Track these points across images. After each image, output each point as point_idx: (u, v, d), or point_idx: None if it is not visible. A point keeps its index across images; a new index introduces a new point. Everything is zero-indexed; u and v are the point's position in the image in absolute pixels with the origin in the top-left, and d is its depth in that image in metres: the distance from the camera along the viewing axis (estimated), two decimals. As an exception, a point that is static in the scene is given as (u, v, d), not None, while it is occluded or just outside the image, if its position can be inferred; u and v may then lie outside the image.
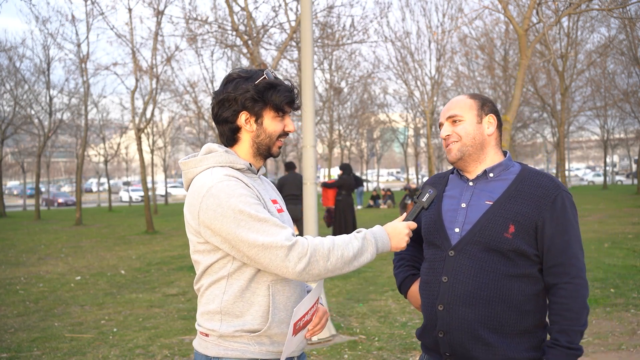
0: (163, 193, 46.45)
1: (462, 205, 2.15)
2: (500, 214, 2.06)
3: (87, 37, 20.85)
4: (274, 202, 2.12)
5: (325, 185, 13.44)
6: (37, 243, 15.62)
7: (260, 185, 2.10)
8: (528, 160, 59.64)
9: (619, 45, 22.10)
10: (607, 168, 45.95)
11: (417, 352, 5.25)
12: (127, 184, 56.09)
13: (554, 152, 38.57)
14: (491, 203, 2.10)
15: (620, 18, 13.75)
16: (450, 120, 2.19)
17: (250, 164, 2.07)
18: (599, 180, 50.15)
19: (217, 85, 2.13)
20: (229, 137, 2.08)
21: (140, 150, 19.12)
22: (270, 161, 32.92)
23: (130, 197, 44.34)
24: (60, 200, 44.59)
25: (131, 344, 5.79)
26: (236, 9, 13.14)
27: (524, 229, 2.04)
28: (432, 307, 2.12)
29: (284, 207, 2.18)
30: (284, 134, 2.10)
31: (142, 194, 39.18)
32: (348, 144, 35.50)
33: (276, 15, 13.13)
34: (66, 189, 65.82)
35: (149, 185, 32.72)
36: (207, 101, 22.93)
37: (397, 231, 2.04)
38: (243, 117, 2.04)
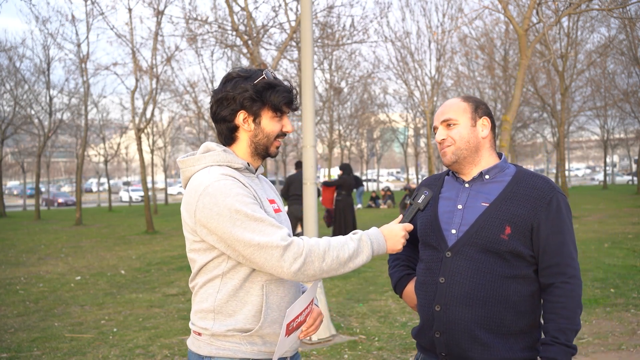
0: (169, 192, 46.52)
1: (459, 207, 2.17)
2: (497, 216, 2.08)
3: (87, 37, 20.85)
4: (272, 202, 2.12)
5: (325, 184, 13.45)
6: (37, 243, 15.62)
7: (258, 184, 2.10)
8: (528, 160, 59.69)
9: (619, 45, 22.08)
10: (608, 168, 45.93)
11: (416, 352, 5.24)
12: (127, 184, 56.09)
13: (554, 152, 38.54)
14: (487, 205, 2.12)
15: (620, 18, 13.74)
16: (444, 124, 2.20)
17: (248, 163, 2.07)
18: (620, 180, 49.94)
19: (217, 85, 2.13)
20: (227, 136, 2.08)
21: (140, 150, 19.12)
22: (270, 161, 32.92)
23: (130, 197, 44.35)
24: (60, 200, 44.59)
25: (131, 344, 5.80)
26: (236, 9, 13.14)
27: (520, 231, 2.06)
28: (429, 308, 2.14)
29: (282, 207, 2.18)
30: (282, 134, 2.10)
31: (142, 194, 39.21)
32: (348, 144, 35.49)
33: (276, 15, 13.14)
34: (66, 189, 65.84)
35: (149, 185, 32.73)
36: (207, 101, 22.91)
37: (393, 233, 2.05)
38: (241, 117, 2.04)
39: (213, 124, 2.35)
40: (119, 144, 32.57)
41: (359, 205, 26.00)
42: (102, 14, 18.25)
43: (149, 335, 6.08)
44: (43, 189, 47.64)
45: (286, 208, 11.77)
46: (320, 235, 3.59)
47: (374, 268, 9.51)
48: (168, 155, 39.06)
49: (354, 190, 14.77)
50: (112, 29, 18.13)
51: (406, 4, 25.22)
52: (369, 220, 18.72)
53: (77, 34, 21.95)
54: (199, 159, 2.04)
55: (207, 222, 1.90)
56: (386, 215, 21.57)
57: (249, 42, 12.45)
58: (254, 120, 2.05)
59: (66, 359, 5.43)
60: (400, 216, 2.14)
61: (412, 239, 2.33)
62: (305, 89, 5.81)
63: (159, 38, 17.97)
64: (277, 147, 2.12)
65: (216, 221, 1.88)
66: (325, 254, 1.90)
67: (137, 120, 19.36)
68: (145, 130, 24.84)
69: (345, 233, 9.88)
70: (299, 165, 12.39)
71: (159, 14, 16.68)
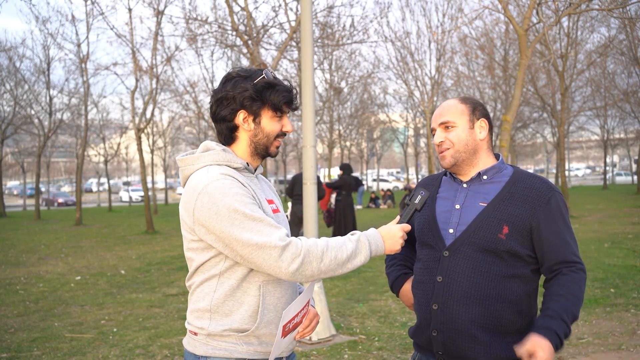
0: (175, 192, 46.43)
1: (456, 207, 2.18)
2: (495, 216, 2.09)
3: (87, 37, 20.85)
4: (270, 202, 2.11)
5: (326, 185, 13.44)
6: (37, 243, 15.62)
7: (257, 184, 2.10)
8: (528, 160, 59.70)
9: (619, 45, 22.06)
10: (607, 168, 45.93)
11: (416, 352, 5.25)
12: (127, 184, 56.10)
13: (554, 152, 38.54)
14: (485, 205, 2.13)
15: (620, 18, 13.74)
16: (442, 127, 2.21)
17: (247, 163, 2.07)
18: (623, 180, 49.76)
19: (217, 85, 2.13)
20: (227, 136, 2.08)
21: (140, 150, 19.12)
22: (270, 161, 32.90)
23: (130, 197, 44.36)
24: (60, 200, 44.58)
25: (131, 344, 5.80)
26: (236, 9, 13.15)
27: (518, 230, 2.07)
28: (426, 306, 2.15)
29: (281, 208, 2.18)
30: (282, 134, 2.10)
31: (142, 194, 39.18)
32: (348, 144, 35.48)
33: (276, 15, 13.14)
34: (66, 189, 65.83)
35: (149, 185, 32.74)
36: (207, 101, 22.91)
37: (392, 234, 2.05)
38: (241, 116, 2.04)
39: (213, 124, 2.35)
40: (119, 144, 32.56)
41: (359, 206, 25.99)
42: (102, 14, 18.27)
43: (149, 335, 6.09)
44: (43, 189, 47.66)
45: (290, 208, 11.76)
46: (320, 236, 3.59)
47: (374, 268, 9.51)
48: (168, 155, 39.05)
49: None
50: (112, 29, 18.15)
51: (406, 4, 25.25)
52: (368, 220, 18.72)
53: (77, 34, 21.97)
54: (198, 157, 2.04)
55: (205, 221, 1.90)
56: (386, 215, 21.57)
57: (249, 42, 12.45)
58: (253, 120, 2.05)
59: (66, 359, 5.43)
60: (398, 217, 2.14)
61: (410, 239, 2.34)
62: (305, 89, 5.81)
63: (159, 38, 17.99)
64: (277, 147, 2.11)
65: (214, 220, 1.88)
66: (323, 254, 1.90)
67: (137, 120, 19.37)
68: (145, 130, 24.85)
69: (345, 233, 9.88)
70: None
71: (159, 14, 16.68)
